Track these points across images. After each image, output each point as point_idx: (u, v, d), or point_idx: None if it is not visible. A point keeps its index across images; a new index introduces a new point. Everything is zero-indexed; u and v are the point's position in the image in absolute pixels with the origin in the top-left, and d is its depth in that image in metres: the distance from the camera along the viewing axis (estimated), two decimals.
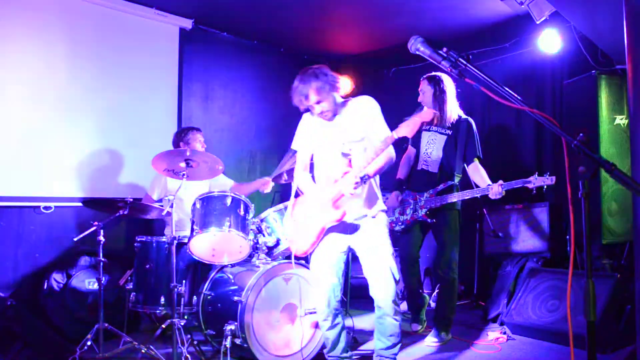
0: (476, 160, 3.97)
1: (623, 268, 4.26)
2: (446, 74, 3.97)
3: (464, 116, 4.04)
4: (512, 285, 4.63)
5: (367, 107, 3.04)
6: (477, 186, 3.91)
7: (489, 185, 3.77)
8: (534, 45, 4.98)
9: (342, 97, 3.08)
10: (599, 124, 4.24)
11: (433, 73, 4.02)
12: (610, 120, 4.28)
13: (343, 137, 2.98)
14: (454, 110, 3.99)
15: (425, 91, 4.02)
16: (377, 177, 3.11)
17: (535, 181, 3.62)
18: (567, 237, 4.73)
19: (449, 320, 4.08)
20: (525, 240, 4.95)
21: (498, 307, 4.60)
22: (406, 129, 2.73)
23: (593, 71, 4.33)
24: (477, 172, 3.93)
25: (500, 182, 3.70)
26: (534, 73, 5.31)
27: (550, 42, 4.77)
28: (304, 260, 3.39)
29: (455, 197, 3.92)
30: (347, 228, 3.02)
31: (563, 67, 5.02)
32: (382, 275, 2.96)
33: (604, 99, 4.27)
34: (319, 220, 2.97)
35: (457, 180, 4.04)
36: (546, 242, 4.79)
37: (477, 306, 5.15)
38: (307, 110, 3.05)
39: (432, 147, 4.02)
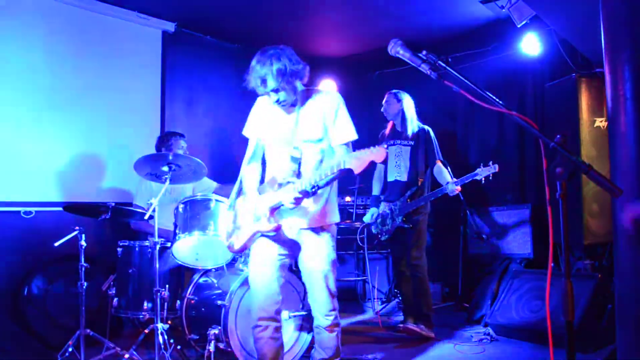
0: (438, 163, 4.27)
1: (604, 268, 4.31)
2: (406, 93, 4.40)
3: (421, 126, 4.36)
4: (496, 287, 4.67)
5: (331, 104, 2.66)
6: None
7: (447, 183, 4.09)
8: (516, 48, 5.04)
9: (306, 86, 2.70)
10: (579, 127, 4.30)
11: (396, 90, 4.41)
12: (591, 123, 4.34)
13: (298, 134, 2.63)
14: (414, 124, 4.33)
15: (391, 104, 4.38)
16: (335, 184, 2.76)
17: (482, 172, 3.95)
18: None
19: (427, 316, 4.20)
20: (509, 242, 4.99)
21: (482, 309, 4.63)
22: (356, 162, 2.29)
23: (573, 74, 4.39)
24: (441, 174, 4.24)
25: (454, 179, 4.07)
26: (516, 76, 5.37)
27: (531, 45, 4.83)
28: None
29: (422, 200, 4.21)
30: (285, 242, 2.74)
31: (544, 70, 5.08)
32: (319, 293, 2.70)
33: (584, 101, 4.33)
34: (252, 225, 2.69)
35: (420, 183, 4.31)
36: (529, 243, 4.83)
37: (462, 308, 5.17)
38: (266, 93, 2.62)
39: (400, 158, 4.34)
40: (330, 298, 2.70)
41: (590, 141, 4.31)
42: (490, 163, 3.95)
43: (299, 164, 2.61)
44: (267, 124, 2.75)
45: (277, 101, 2.58)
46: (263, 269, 2.71)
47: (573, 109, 4.33)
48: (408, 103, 4.35)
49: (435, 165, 4.26)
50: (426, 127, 4.38)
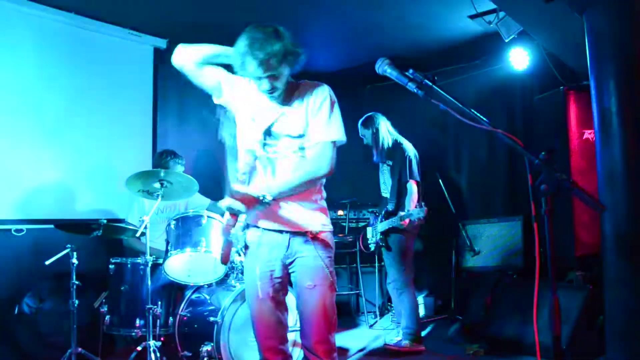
0: (410, 183, 4.21)
1: (596, 279, 4.32)
2: (376, 114, 4.45)
3: (398, 142, 4.34)
4: (488, 299, 4.67)
5: (316, 96, 2.21)
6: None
7: (400, 215, 4.06)
8: (504, 62, 5.10)
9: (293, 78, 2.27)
10: (568, 139, 4.34)
11: (365, 116, 4.45)
12: (580, 135, 4.38)
13: (276, 128, 2.21)
14: (386, 142, 4.34)
15: (365, 134, 4.46)
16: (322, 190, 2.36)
17: (410, 217, 3.95)
18: (541, 249, 4.81)
19: (412, 330, 4.17)
20: (501, 254, 5.01)
21: (474, 321, 4.62)
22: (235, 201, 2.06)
23: (562, 87, 4.44)
24: (408, 196, 4.21)
25: (401, 213, 4.04)
26: (505, 89, 5.43)
27: (519, 59, 4.89)
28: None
29: (385, 225, 4.21)
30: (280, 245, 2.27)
31: (533, 84, 5.15)
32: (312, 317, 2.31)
33: (572, 114, 4.38)
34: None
35: (390, 206, 4.28)
36: (521, 255, 4.85)
37: (454, 320, 5.17)
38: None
39: (384, 176, 4.44)
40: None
41: (579, 153, 4.34)
42: (423, 204, 4.02)
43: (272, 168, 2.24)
44: (252, 104, 2.28)
45: (269, 90, 2.12)
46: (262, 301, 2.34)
47: (562, 122, 4.38)
48: (380, 125, 4.38)
49: (406, 186, 4.21)
50: (404, 144, 4.31)
